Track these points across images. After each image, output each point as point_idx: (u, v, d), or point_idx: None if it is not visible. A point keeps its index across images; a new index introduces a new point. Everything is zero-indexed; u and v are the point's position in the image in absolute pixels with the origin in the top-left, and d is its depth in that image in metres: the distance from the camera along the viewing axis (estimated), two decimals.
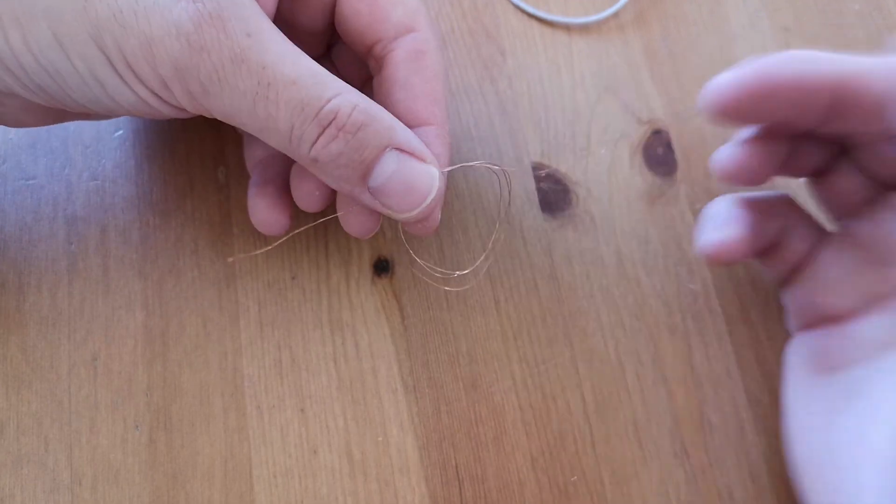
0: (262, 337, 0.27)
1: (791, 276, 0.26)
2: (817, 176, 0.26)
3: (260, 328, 0.27)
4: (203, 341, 0.27)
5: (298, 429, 0.26)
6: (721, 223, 0.25)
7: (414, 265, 0.28)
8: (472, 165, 0.27)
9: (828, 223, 0.27)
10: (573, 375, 0.27)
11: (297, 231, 0.25)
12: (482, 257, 0.28)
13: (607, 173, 0.30)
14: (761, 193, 0.26)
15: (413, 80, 0.24)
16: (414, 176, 0.22)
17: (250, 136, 0.27)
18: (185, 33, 0.19)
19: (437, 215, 0.24)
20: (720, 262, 0.25)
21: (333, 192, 0.24)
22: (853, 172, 0.25)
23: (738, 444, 0.27)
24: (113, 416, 0.26)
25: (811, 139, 0.25)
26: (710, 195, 0.30)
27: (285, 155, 0.26)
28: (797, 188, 0.29)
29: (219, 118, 0.21)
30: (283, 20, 0.24)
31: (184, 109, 0.21)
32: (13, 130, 0.29)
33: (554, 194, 0.29)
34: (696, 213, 0.29)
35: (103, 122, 0.29)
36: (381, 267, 0.28)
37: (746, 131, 0.25)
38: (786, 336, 0.28)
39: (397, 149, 0.21)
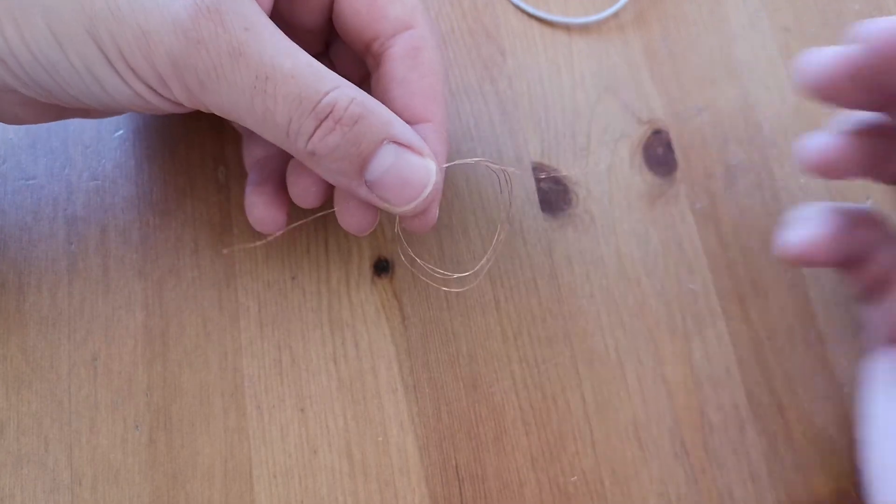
0: (262, 337, 0.27)
1: (874, 291, 0.25)
2: None
3: (260, 328, 0.27)
4: (203, 341, 0.27)
5: (298, 429, 0.26)
6: (807, 224, 0.24)
7: (414, 266, 0.27)
8: (470, 162, 0.27)
9: None
10: (573, 375, 0.27)
11: (293, 225, 0.25)
12: (484, 260, 0.28)
13: (607, 173, 0.30)
14: (852, 205, 0.25)
15: (411, 76, 0.24)
16: (411, 169, 0.22)
17: (249, 135, 0.27)
18: (182, 27, 0.19)
19: (435, 211, 0.24)
20: (802, 263, 0.24)
21: (330, 189, 0.24)
22: None
23: (738, 444, 0.27)
24: (113, 416, 0.26)
25: None
26: (710, 195, 0.30)
27: (283, 154, 0.26)
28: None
29: (216, 113, 0.21)
30: (282, 18, 0.24)
31: (181, 104, 0.21)
32: (13, 130, 0.29)
33: (554, 194, 0.29)
34: (696, 212, 0.29)
35: (103, 122, 0.29)
36: (381, 267, 0.28)
37: (844, 122, 0.24)
38: (785, 336, 0.28)
39: (394, 142, 0.21)
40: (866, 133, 0.24)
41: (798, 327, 0.28)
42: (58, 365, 0.26)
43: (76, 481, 0.25)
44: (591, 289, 0.28)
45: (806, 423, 0.27)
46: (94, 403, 0.26)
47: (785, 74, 0.31)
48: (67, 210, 0.28)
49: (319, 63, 0.21)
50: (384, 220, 0.28)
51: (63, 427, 0.25)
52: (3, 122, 0.24)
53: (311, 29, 0.25)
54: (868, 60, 0.21)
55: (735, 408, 0.27)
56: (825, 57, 0.22)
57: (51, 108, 0.23)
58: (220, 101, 0.20)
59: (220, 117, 0.29)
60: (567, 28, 0.32)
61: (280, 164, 0.25)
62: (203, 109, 0.21)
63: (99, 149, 0.29)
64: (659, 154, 0.30)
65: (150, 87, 0.20)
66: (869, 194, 0.30)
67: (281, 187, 0.25)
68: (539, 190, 0.29)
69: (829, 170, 0.24)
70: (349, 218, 0.24)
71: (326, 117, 0.20)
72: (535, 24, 0.32)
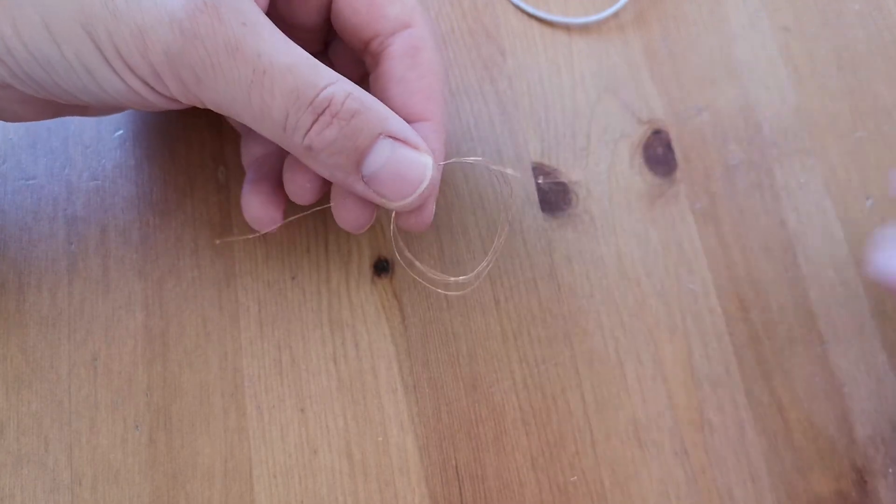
0: (262, 337, 0.27)
1: None
2: None
3: (260, 328, 0.27)
4: (203, 341, 0.27)
5: (298, 429, 0.26)
6: None
7: (413, 269, 0.27)
8: (469, 161, 0.27)
9: None
10: (573, 375, 0.27)
11: (290, 219, 0.25)
12: (483, 264, 0.28)
13: (607, 173, 0.30)
14: None
15: (409, 75, 0.24)
16: (407, 164, 0.22)
17: (248, 133, 0.27)
18: (178, 22, 0.19)
19: (431, 208, 0.24)
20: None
21: (326, 185, 0.24)
22: None
23: (738, 444, 0.27)
24: (113, 416, 0.26)
25: None
26: (710, 195, 0.30)
27: (281, 153, 0.26)
28: None
29: (211, 108, 0.21)
30: (280, 17, 0.24)
31: (176, 100, 0.21)
32: (13, 130, 0.29)
33: (554, 194, 0.29)
34: (696, 212, 0.29)
35: (103, 122, 0.29)
36: (381, 267, 0.28)
37: None
38: (785, 336, 0.28)
39: (391, 137, 0.21)
40: None
41: (798, 327, 0.28)
42: (58, 365, 0.26)
43: (76, 481, 0.25)
44: (591, 289, 0.28)
45: (806, 423, 0.27)
46: (94, 403, 0.26)
47: (785, 74, 0.31)
48: (67, 210, 0.28)
49: (315, 59, 0.21)
50: (384, 219, 0.28)
51: (63, 427, 0.25)
52: (1, 119, 0.24)
53: (310, 28, 0.25)
54: None
55: (735, 408, 0.27)
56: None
57: (49, 105, 0.23)
58: (217, 97, 0.20)
59: (219, 117, 0.29)
60: (567, 28, 0.32)
61: (277, 163, 0.25)
62: (199, 105, 0.21)
63: (99, 149, 0.29)
64: (659, 154, 0.30)
65: (146, 83, 0.20)
66: (869, 194, 0.30)
67: (278, 186, 0.25)
68: (539, 190, 0.29)
69: None
70: (346, 215, 0.24)
71: (323, 112, 0.20)
72: (535, 24, 0.32)
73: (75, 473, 0.25)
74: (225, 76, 0.20)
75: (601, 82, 0.31)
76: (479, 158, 0.25)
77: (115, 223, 0.28)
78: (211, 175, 0.29)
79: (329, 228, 0.28)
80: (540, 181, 0.29)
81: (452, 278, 0.28)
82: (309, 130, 0.21)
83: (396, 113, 0.22)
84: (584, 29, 0.32)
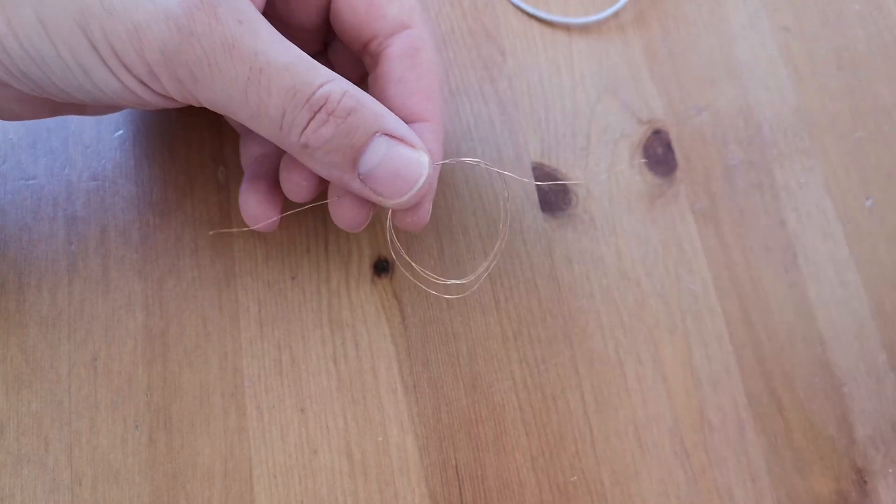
0: (262, 337, 0.27)
1: None
2: None
3: (260, 328, 0.27)
4: (203, 341, 0.27)
5: (298, 429, 0.26)
6: None
7: (413, 273, 0.27)
8: (468, 162, 0.27)
9: None
10: (573, 375, 0.27)
11: (286, 214, 0.25)
12: (482, 268, 0.28)
13: (607, 173, 0.30)
14: None
15: (408, 76, 0.24)
16: (403, 161, 0.22)
17: (246, 133, 0.27)
18: (175, 20, 0.19)
19: (428, 207, 0.24)
20: None
21: (322, 183, 0.24)
22: None
23: (738, 444, 0.27)
24: (113, 416, 0.26)
25: None
26: (710, 195, 0.30)
27: (279, 152, 0.26)
28: None
29: (208, 107, 0.21)
30: (278, 17, 0.24)
31: (172, 99, 0.21)
32: (13, 130, 0.29)
33: (554, 194, 0.29)
34: (696, 212, 0.29)
35: (103, 122, 0.29)
36: (381, 267, 0.28)
37: None
38: (785, 336, 0.28)
39: (386, 134, 0.21)
40: None
41: (798, 327, 0.28)
42: (58, 365, 0.26)
43: (76, 481, 0.25)
44: (591, 289, 0.28)
45: (806, 423, 0.27)
46: (94, 403, 0.26)
47: (785, 74, 0.31)
48: (67, 210, 0.28)
49: (312, 58, 0.21)
50: (384, 220, 0.28)
51: (63, 427, 0.25)
52: (0, 118, 0.24)
53: (309, 29, 0.25)
54: None
55: (735, 408, 0.27)
56: None
57: (46, 103, 0.23)
58: (214, 95, 0.20)
59: (219, 117, 0.29)
60: (567, 28, 0.32)
61: (275, 162, 0.26)
62: (195, 104, 0.21)
63: (99, 149, 0.29)
64: (659, 154, 0.30)
65: (141, 82, 0.20)
66: (869, 194, 0.30)
67: (275, 185, 0.25)
68: (539, 190, 0.29)
69: None
70: (343, 213, 0.24)
71: (320, 109, 0.20)
72: (535, 24, 0.32)
73: (75, 473, 0.25)
74: (222, 74, 0.20)
75: (601, 82, 0.31)
76: (478, 160, 0.25)
77: (115, 223, 0.28)
78: (211, 175, 0.29)
79: (329, 228, 0.28)
80: (540, 181, 0.29)
81: (450, 281, 0.28)
82: (305, 128, 0.21)
83: (395, 113, 0.23)
84: (584, 29, 0.32)
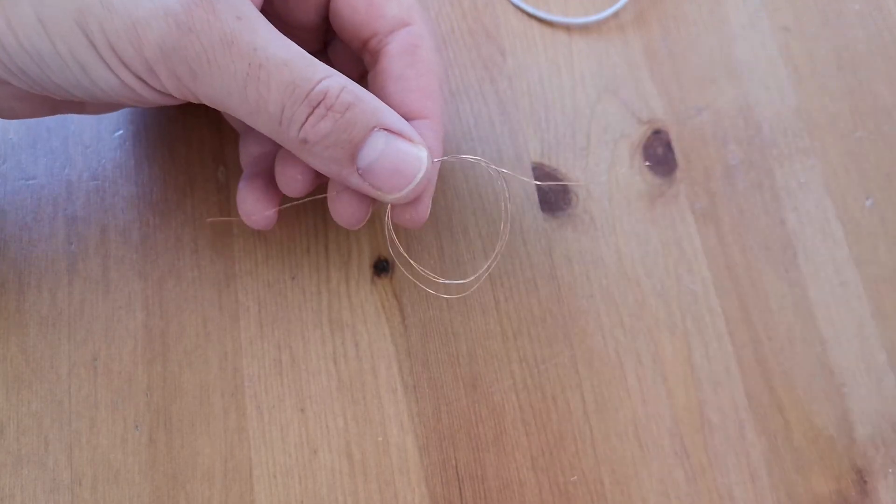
0: (262, 337, 0.27)
1: None
2: None
3: (260, 328, 0.27)
4: (203, 341, 0.27)
5: (298, 429, 0.26)
6: None
7: (413, 273, 0.27)
8: (466, 159, 0.27)
9: None
10: (573, 375, 0.27)
11: (284, 206, 0.25)
12: (482, 270, 0.28)
13: (607, 173, 0.30)
14: None
15: (407, 73, 0.24)
16: (402, 156, 0.22)
17: (246, 132, 0.27)
18: (173, 16, 0.19)
19: (427, 204, 0.24)
20: None
21: (318, 178, 0.24)
22: None
23: (738, 444, 0.27)
24: (113, 416, 0.26)
25: None
26: (710, 195, 0.30)
27: (277, 150, 0.26)
28: None
29: (206, 103, 0.21)
30: (278, 16, 0.24)
31: (170, 95, 0.21)
32: (13, 130, 0.29)
33: (554, 194, 0.29)
34: (696, 212, 0.29)
35: (103, 122, 0.29)
36: (381, 267, 0.28)
37: None
38: (785, 336, 0.28)
39: (385, 129, 0.21)
40: None
41: (798, 327, 0.28)
42: (58, 365, 0.26)
43: (76, 481, 0.25)
44: (591, 289, 0.28)
45: (806, 423, 0.27)
46: (94, 403, 0.26)
47: (785, 74, 0.31)
48: (67, 210, 0.28)
49: (310, 54, 0.21)
50: (384, 219, 0.28)
51: (63, 427, 0.25)
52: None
53: (308, 27, 0.25)
54: None
55: (735, 408, 0.27)
56: None
57: (45, 101, 0.23)
58: (212, 91, 0.20)
59: (219, 116, 0.29)
60: (567, 28, 0.32)
61: (273, 161, 0.26)
62: (193, 100, 0.21)
63: (99, 149, 0.29)
64: (659, 154, 0.30)
65: (139, 78, 0.20)
66: (869, 194, 0.30)
67: (272, 183, 0.25)
68: (539, 190, 0.29)
69: None
70: (341, 210, 0.24)
71: (318, 104, 0.20)
72: (535, 24, 0.32)
73: (75, 473, 0.25)
74: (221, 70, 0.20)
75: (601, 82, 0.31)
76: (478, 158, 0.25)
77: (115, 223, 0.28)
78: (211, 175, 0.29)
79: (329, 228, 0.28)
80: (540, 181, 0.29)
81: (450, 281, 0.28)
82: (304, 123, 0.21)
83: (395, 111, 0.23)
84: (584, 29, 0.32)
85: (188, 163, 0.29)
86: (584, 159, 0.30)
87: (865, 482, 0.27)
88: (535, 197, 0.29)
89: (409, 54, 0.24)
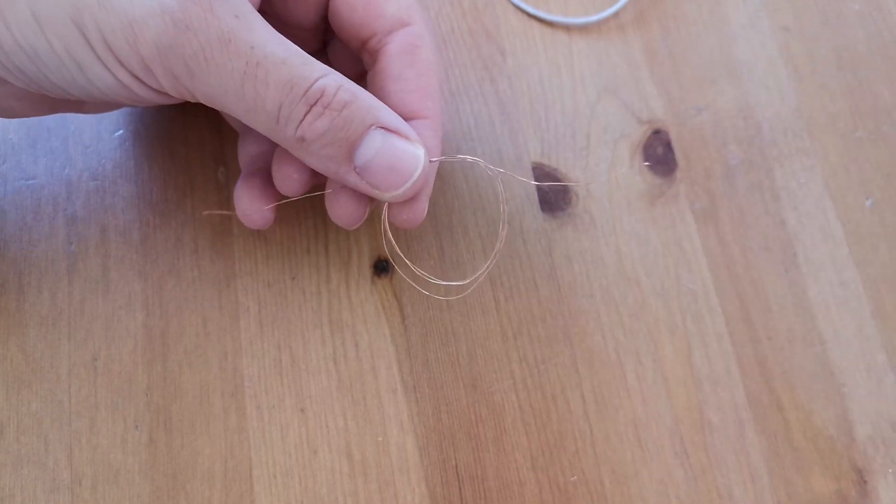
0: (262, 337, 0.27)
1: None
2: None
3: (260, 328, 0.27)
4: (203, 341, 0.27)
5: (298, 429, 0.26)
6: None
7: (413, 276, 0.27)
8: (467, 160, 0.27)
9: None
10: (573, 375, 0.27)
11: (280, 202, 0.25)
12: (481, 271, 0.28)
13: (607, 173, 0.30)
14: None
15: (407, 73, 0.24)
16: (399, 154, 0.22)
17: (244, 132, 0.27)
18: (170, 13, 0.19)
19: (424, 203, 0.24)
20: None
21: (313, 176, 0.24)
22: None
23: (738, 444, 0.27)
24: (113, 416, 0.26)
25: None
26: (710, 195, 0.30)
27: (275, 150, 0.26)
28: None
29: (203, 102, 0.21)
30: (277, 16, 0.24)
31: (166, 94, 0.21)
32: (13, 130, 0.29)
33: (554, 194, 0.29)
34: (696, 212, 0.29)
35: (103, 122, 0.29)
36: (381, 267, 0.28)
37: None
38: (785, 336, 0.28)
39: (382, 127, 0.21)
40: None
41: (798, 327, 0.28)
42: (58, 365, 0.26)
43: (76, 481, 0.25)
44: (591, 289, 0.28)
45: (806, 423, 0.27)
46: (94, 403, 0.26)
47: (785, 74, 0.31)
48: (67, 210, 0.28)
49: (306, 53, 0.21)
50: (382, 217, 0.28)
51: (63, 427, 0.25)
52: None
53: (307, 27, 0.25)
54: None
55: (735, 408, 0.27)
56: None
57: (43, 100, 0.23)
58: (210, 90, 0.20)
59: (219, 116, 0.29)
60: (567, 28, 0.32)
61: (271, 161, 0.26)
62: (190, 99, 0.21)
63: (99, 149, 0.29)
64: (659, 154, 0.30)
65: (133, 75, 0.20)
66: (869, 194, 0.30)
67: (269, 182, 0.25)
68: (539, 190, 0.29)
69: None
70: (339, 209, 0.24)
71: (316, 103, 0.20)
72: (535, 24, 0.32)
73: (75, 473, 0.25)
74: (218, 68, 0.20)
75: (601, 82, 0.31)
76: (477, 159, 0.25)
77: (115, 223, 0.28)
78: (211, 175, 0.29)
79: (329, 228, 0.28)
80: (540, 181, 0.29)
81: (447, 283, 0.28)
82: (301, 121, 0.21)
83: (394, 110, 0.23)
84: (584, 29, 0.32)
85: (188, 163, 0.29)
86: (584, 159, 0.30)
87: (865, 482, 0.27)
88: (534, 197, 0.29)
89: (408, 54, 0.24)
